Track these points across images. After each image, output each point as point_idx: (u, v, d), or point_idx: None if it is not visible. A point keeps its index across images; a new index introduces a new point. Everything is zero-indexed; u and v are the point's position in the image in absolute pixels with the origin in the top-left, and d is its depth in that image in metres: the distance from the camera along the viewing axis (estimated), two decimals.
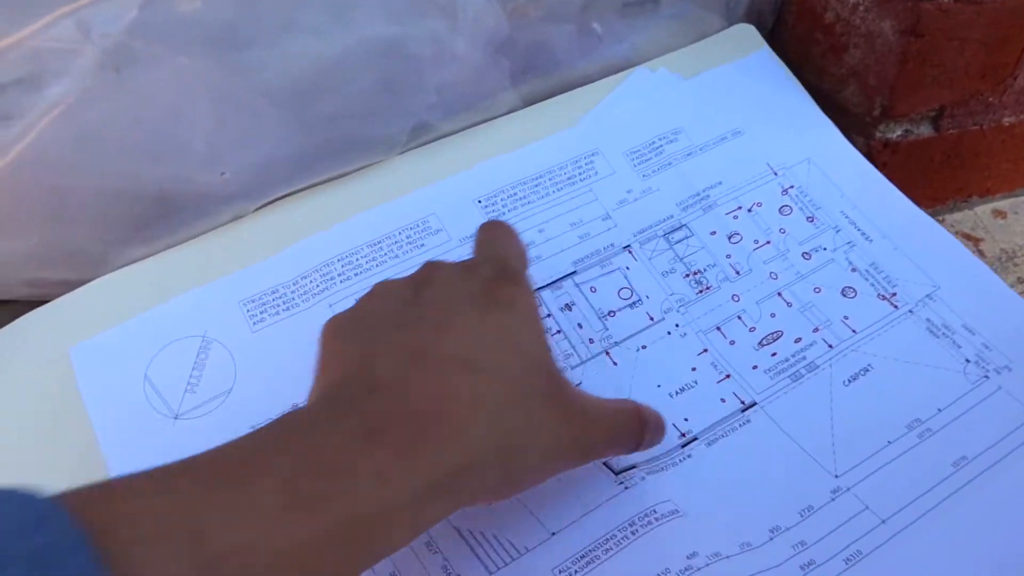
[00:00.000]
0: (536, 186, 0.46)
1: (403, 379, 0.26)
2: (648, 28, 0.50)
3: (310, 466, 0.23)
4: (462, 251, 0.43)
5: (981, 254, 0.50)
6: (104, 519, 0.17)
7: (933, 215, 0.46)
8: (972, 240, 0.51)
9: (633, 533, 0.34)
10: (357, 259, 0.42)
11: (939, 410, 0.38)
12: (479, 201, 0.45)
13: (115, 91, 0.38)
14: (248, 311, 0.40)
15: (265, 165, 0.42)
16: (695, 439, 0.37)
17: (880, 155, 0.49)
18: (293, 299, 0.40)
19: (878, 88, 0.47)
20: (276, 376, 0.38)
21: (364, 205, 0.44)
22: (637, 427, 0.33)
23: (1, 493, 0.17)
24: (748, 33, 0.53)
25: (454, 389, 0.26)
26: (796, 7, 0.52)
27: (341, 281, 0.41)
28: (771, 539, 0.34)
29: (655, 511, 0.35)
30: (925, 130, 0.49)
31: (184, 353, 0.38)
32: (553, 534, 0.34)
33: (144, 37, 0.37)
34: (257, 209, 0.44)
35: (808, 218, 0.45)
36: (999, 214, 0.52)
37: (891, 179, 0.48)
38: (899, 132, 0.49)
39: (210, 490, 0.21)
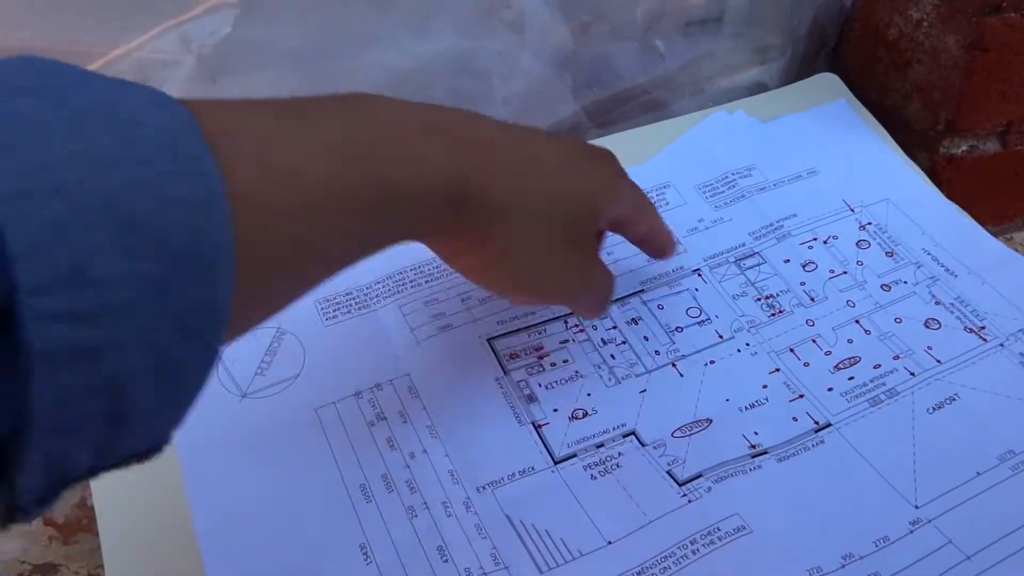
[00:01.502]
0: None
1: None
2: (710, 47, 0.50)
3: (368, 134, 0.25)
4: None
5: None
6: (198, 109, 0.20)
7: (999, 232, 0.43)
8: None
9: (694, 552, 0.33)
10: (428, 268, 0.42)
11: None
12: None
13: (210, 97, 0.40)
14: (322, 309, 0.40)
15: None
16: (765, 452, 0.36)
17: (944, 171, 0.47)
18: (366, 300, 0.41)
19: (943, 103, 0.46)
20: (342, 366, 0.38)
21: None
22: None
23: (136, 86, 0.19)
24: (832, 82, 0.53)
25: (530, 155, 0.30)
26: (859, 24, 0.52)
27: (412, 287, 0.41)
28: (843, 566, 0.32)
29: (719, 528, 0.33)
30: (992, 146, 0.48)
31: (258, 342, 0.39)
32: (609, 543, 0.33)
33: (238, 49, 0.40)
34: None
35: (887, 253, 0.44)
36: None
37: (956, 196, 0.46)
38: (964, 148, 0.48)
39: (280, 120, 0.23)
